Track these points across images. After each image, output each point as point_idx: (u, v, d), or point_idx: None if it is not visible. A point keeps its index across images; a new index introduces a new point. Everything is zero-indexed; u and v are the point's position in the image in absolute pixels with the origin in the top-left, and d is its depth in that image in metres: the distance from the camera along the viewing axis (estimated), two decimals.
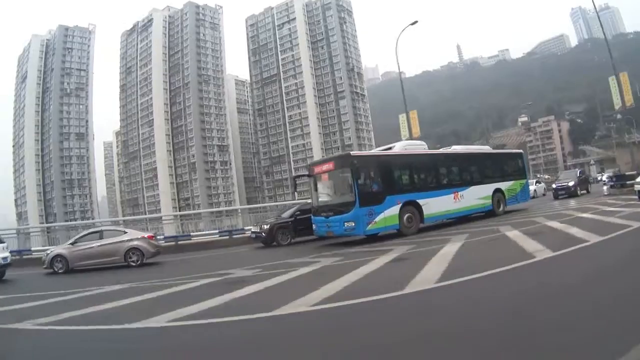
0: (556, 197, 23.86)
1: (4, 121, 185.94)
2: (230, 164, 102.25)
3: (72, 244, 12.33)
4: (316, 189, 12.70)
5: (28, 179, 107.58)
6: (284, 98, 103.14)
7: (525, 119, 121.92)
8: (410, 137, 26.31)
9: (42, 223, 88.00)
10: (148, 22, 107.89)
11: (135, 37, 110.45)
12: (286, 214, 15.57)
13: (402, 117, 29.26)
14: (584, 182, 26.34)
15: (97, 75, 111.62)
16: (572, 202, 18.86)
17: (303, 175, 13.79)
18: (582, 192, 24.26)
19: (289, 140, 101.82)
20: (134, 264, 11.98)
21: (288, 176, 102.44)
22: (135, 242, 12.20)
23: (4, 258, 11.42)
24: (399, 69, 27.88)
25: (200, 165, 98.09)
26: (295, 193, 18.89)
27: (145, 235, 12.71)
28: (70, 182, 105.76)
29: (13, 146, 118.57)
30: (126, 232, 12.62)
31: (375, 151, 13.76)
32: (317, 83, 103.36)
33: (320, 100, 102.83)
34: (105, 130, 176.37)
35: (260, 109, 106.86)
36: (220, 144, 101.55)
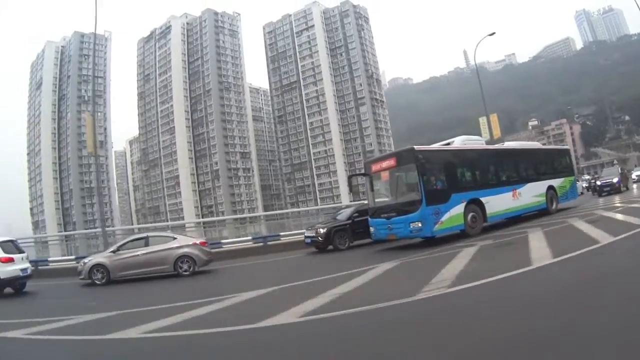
0: (600, 194, 23.86)
1: (17, 128, 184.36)
2: (253, 170, 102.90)
3: (113, 252, 11.44)
4: (373, 189, 11.92)
5: (45, 187, 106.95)
6: (305, 105, 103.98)
7: (536, 122, 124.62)
8: (491, 139, 26.19)
9: (61, 232, 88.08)
10: (166, 30, 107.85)
11: (152, 45, 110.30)
12: (342, 216, 14.67)
13: (482, 119, 30.71)
14: (625, 178, 26.75)
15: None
16: (618, 198, 18.82)
17: (358, 175, 13.05)
18: (623, 188, 24.38)
19: (311, 147, 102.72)
20: (185, 274, 11.08)
21: (310, 182, 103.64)
22: (187, 249, 11.28)
23: (24, 269, 10.95)
24: (477, 72, 28.71)
25: (223, 173, 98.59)
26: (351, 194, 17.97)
27: (197, 242, 11.83)
28: (90, 190, 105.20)
29: (28, 154, 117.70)
30: (176, 238, 11.70)
31: (437, 146, 13.07)
32: (337, 90, 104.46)
33: (341, 106, 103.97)
34: (116, 139, 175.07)
35: (280, 116, 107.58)
36: (242, 151, 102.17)
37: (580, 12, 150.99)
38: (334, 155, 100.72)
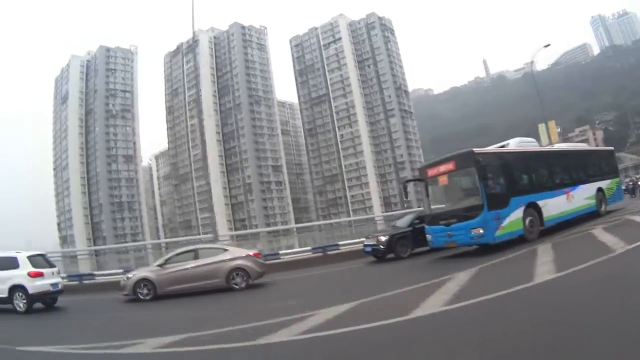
0: None
1: (41, 143, 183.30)
2: (285, 183, 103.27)
3: (160, 265, 10.98)
4: (428, 195, 11.54)
5: (74, 202, 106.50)
6: (335, 117, 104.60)
7: (559, 129, 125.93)
8: (550, 145, 27.41)
9: (90, 246, 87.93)
10: (194, 44, 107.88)
11: (180, 59, 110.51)
12: (402, 223, 14.20)
13: (542, 127, 31.94)
14: None
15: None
16: None
17: (414, 180, 12.44)
18: None
19: (342, 159, 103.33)
20: (237, 287, 10.63)
21: (342, 195, 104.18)
22: (240, 262, 10.82)
23: (55, 284, 10.76)
24: (533, 76, 29.38)
25: (256, 186, 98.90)
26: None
27: (251, 253, 11.30)
28: (120, 205, 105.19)
29: (54, 169, 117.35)
30: (227, 250, 11.31)
31: (492, 148, 12.55)
32: (366, 102, 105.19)
33: (370, 118, 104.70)
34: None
35: (310, 129, 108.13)
36: (274, 164, 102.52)
37: (596, 17, 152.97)
38: (365, 167, 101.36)
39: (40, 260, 10.97)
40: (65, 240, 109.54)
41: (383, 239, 13.30)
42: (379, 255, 13.58)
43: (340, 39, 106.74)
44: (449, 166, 10.96)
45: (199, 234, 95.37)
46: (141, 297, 10.63)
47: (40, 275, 10.40)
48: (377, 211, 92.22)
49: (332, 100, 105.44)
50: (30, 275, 10.21)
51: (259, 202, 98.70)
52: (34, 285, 10.18)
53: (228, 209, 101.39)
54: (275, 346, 4.65)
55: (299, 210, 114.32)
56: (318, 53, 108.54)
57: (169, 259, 11.13)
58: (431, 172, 11.42)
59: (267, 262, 14.28)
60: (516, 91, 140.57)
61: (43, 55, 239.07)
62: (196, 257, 10.90)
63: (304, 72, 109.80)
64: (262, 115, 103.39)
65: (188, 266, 10.72)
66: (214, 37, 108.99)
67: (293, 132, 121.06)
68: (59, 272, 11.55)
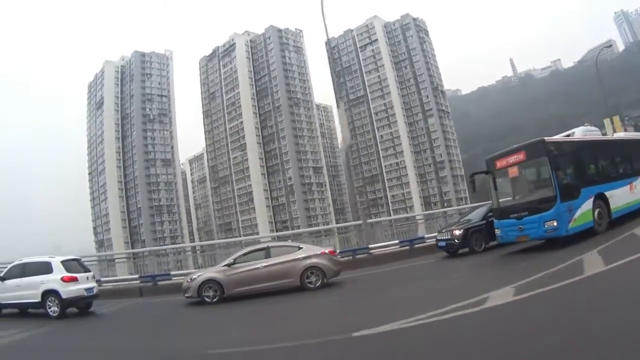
0: None
1: (73, 149, 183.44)
2: (325, 185, 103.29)
3: (228, 265, 10.38)
4: (495, 188, 11.13)
5: (111, 206, 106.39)
6: (374, 118, 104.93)
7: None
8: None
9: (128, 250, 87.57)
10: (230, 47, 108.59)
11: (216, 63, 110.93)
12: (474, 216, 13.74)
13: (607, 121, 32.06)
14: None
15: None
16: None
17: (480, 173, 11.91)
18: None
19: (382, 159, 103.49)
20: (312, 286, 10.11)
21: (382, 195, 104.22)
22: (315, 260, 10.29)
23: (89, 289, 10.64)
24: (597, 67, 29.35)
25: (298, 188, 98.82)
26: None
27: (326, 251, 10.84)
28: (159, 209, 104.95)
29: (90, 174, 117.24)
30: (301, 248, 10.74)
31: (559, 137, 12.04)
32: (403, 102, 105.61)
33: (409, 119, 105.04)
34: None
35: (349, 130, 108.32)
36: (314, 165, 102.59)
37: (619, 13, 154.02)
38: (405, 167, 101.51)
39: (74, 265, 10.88)
40: (102, 244, 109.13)
41: (458, 232, 12.93)
42: (451, 250, 13.25)
43: (376, 40, 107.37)
44: (520, 156, 10.52)
45: (240, 236, 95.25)
46: (207, 299, 10.07)
47: (74, 280, 10.32)
48: (418, 210, 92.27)
49: (370, 102, 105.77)
50: (63, 280, 10.15)
51: (301, 203, 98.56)
52: (68, 290, 10.10)
53: (269, 210, 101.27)
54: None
55: (336, 212, 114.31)
56: (355, 55, 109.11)
57: (238, 257, 10.55)
58: (500, 164, 10.95)
59: (357, 256, 14.50)
60: (544, 89, 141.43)
61: (75, 62, 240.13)
62: (268, 256, 10.36)
63: (341, 74, 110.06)
64: (302, 117, 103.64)
65: (259, 265, 10.17)
66: (250, 41, 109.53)
67: (328, 135, 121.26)
68: (94, 277, 11.41)
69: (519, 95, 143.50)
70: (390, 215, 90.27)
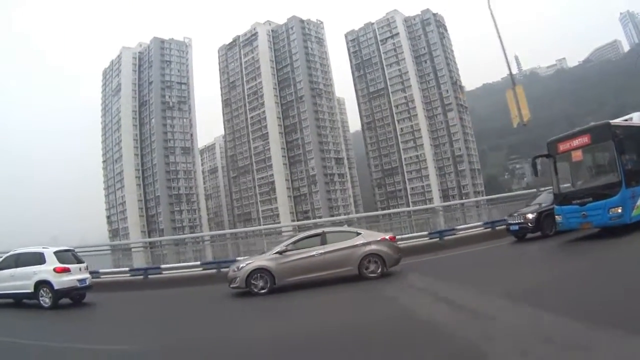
0: None
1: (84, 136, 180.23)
2: (346, 176, 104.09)
3: (279, 252, 9.66)
4: (556, 172, 10.93)
5: (128, 194, 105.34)
6: (394, 111, 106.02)
7: None
8: None
9: (145, 239, 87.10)
10: (252, 36, 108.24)
11: (237, 52, 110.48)
12: (543, 200, 13.41)
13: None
14: None
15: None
16: None
17: (543, 156, 11.56)
18: None
19: (402, 152, 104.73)
20: (372, 276, 9.48)
21: (401, 187, 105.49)
22: (374, 246, 9.67)
23: (82, 280, 10.69)
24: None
25: (320, 178, 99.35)
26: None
27: (387, 237, 10.16)
28: (178, 197, 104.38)
29: (104, 161, 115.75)
30: (360, 233, 10.12)
31: (618, 120, 11.60)
32: (423, 96, 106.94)
33: (428, 113, 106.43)
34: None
35: (369, 122, 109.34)
36: (336, 156, 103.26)
37: (625, 13, 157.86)
38: (425, 160, 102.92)
39: (67, 256, 10.94)
40: (116, 233, 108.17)
41: (531, 216, 12.81)
42: (520, 234, 13.27)
43: (397, 34, 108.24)
44: (584, 140, 10.15)
45: (260, 226, 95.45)
46: (255, 290, 9.37)
47: (67, 270, 10.37)
48: (437, 202, 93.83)
49: (390, 95, 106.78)
50: (56, 270, 10.19)
51: (323, 194, 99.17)
52: (60, 281, 10.17)
53: (290, 200, 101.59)
54: None
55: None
56: (375, 48, 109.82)
57: (291, 244, 9.89)
58: (562, 147, 10.59)
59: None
60: (549, 88, 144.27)
61: (89, 47, 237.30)
62: (323, 242, 9.67)
63: (361, 67, 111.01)
64: (324, 108, 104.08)
65: (314, 252, 9.51)
66: (272, 31, 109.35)
67: (344, 127, 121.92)
68: (87, 268, 11.37)
69: (525, 92, 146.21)
70: (410, 207, 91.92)
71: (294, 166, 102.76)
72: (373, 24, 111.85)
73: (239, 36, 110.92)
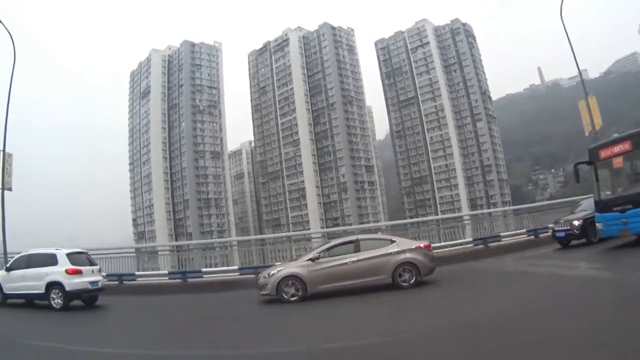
0: None
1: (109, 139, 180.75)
2: (376, 183, 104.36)
3: (312, 259, 9.56)
4: (597, 179, 10.96)
5: (156, 198, 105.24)
6: (424, 120, 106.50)
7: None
8: None
9: (172, 242, 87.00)
10: (283, 42, 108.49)
11: (267, 57, 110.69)
12: (588, 207, 13.20)
13: None
14: None
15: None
16: None
17: (584, 162, 11.47)
18: None
19: (431, 161, 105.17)
20: (405, 284, 9.30)
21: (430, 196, 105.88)
22: (409, 255, 9.49)
23: (94, 282, 10.76)
24: None
25: (350, 185, 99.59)
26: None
27: (421, 245, 9.99)
28: (207, 201, 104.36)
29: (130, 164, 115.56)
30: (394, 241, 9.92)
31: None
32: (452, 105, 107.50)
33: (457, 122, 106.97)
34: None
35: (398, 130, 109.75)
36: (367, 164, 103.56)
37: None
38: (455, 169, 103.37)
39: (80, 258, 11.02)
40: (142, 236, 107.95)
41: (577, 223, 12.85)
42: (565, 241, 13.35)
43: (427, 43, 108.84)
44: (625, 146, 10.17)
45: (289, 232, 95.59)
46: (285, 297, 9.27)
47: (79, 272, 10.43)
48: (465, 212, 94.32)
49: (420, 103, 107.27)
50: (67, 272, 10.26)
51: (354, 201, 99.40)
52: (71, 283, 10.23)
53: (320, 207, 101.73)
54: None
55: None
56: (405, 56, 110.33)
57: (323, 251, 9.75)
58: (604, 154, 10.61)
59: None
60: (572, 99, 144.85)
61: (115, 49, 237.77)
62: (357, 250, 9.56)
63: (391, 75, 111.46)
64: (355, 115, 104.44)
65: (347, 260, 9.39)
66: (303, 37, 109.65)
67: (372, 135, 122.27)
68: (99, 271, 11.48)
69: (546, 104, 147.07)
70: (438, 215, 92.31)
71: (324, 173, 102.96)
72: (403, 32, 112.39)
73: (269, 42, 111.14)
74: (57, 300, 10.25)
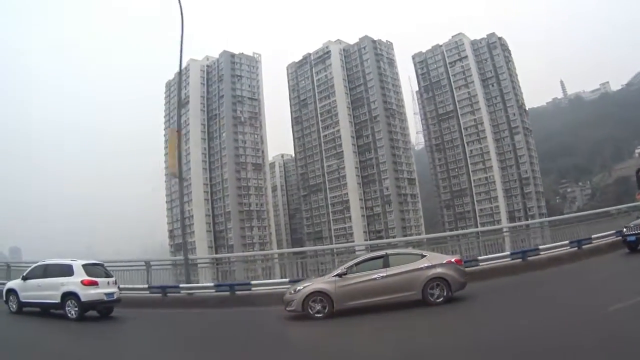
0: None
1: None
2: (417, 196, 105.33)
3: (339, 275, 9.36)
4: None
5: (196, 209, 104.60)
6: (464, 133, 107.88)
7: None
8: None
9: (212, 254, 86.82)
10: (325, 55, 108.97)
11: (307, 70, 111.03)
12: None
13: None
14: None
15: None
16: None
17: None
18: None
19: (471, 174, 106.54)
20: (437, 301, 9.07)
21: (470, 209, 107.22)
22: (439, 270, 9.24)
23: (109, 294, 10.93)
24: None
25: (394, 198, 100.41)
26: None
27: (452, 260, 9.74)
28: (249, 213, 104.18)
29: (166, 175, 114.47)
30: (425, 256, 9.69)
31: None
32: (491, 119, 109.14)
33: (495, 135, 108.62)
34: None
35: (437, 144, 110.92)
36: (409, 177, 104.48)
37: None
38: (494, 181, 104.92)
39: (96, 270, 11.23)
40: (179, 248, 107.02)
41: None
42: (634, 245, 13.62)
43: (466, 57, 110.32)
44: None
45: (332, 244, 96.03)
46: (311, 313, 9.16)
47: (95, 284, 10.66)
48: (505, 223, 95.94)
49: (460, 117, 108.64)
50: (83, 283, 10.49)
51: (397, 213, 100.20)
52: (87, 294, 10.46)
53: (364, 220, 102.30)
54: None
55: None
56: (444, 70, 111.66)
57: (351, 267, 9.59)
58: None
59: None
60: (594, 112, 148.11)
61: (150, 59, 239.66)
62: (386, 265, 9.36)
63: (429, 89, 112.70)
64: (397, 128, 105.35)
65: (376, 276, 9.20)
66: (343, 50, 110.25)
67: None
68: (115, 282, 11.65)
69: (569, 117, 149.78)
70: (478, 227, 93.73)
71: (367, 185, 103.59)
72: (441, 46, 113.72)
73: (309, 54, 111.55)
74: (72, 311, 10.43)
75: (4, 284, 12.77)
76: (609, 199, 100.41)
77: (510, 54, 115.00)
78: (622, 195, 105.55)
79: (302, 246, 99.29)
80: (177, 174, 17.47)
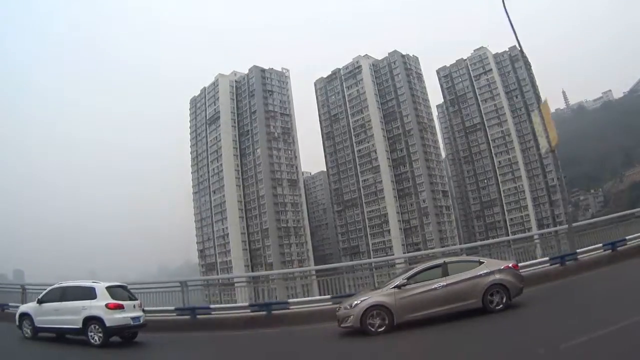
0: None
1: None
2: (451, 208, 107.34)
3: (398, 287, 9.00)
4: None
5: (232, 227, 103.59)
6: (491, 145, 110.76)
7: None
8: None
9: (248, 272, 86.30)
10: (356, 70, 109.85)
11: (337, 85, 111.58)
12: None
13: None
14: None
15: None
16: None
17: None
18: None
19: (500, 184, 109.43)
20: (497, 308, 8.83)
21: (500, 219, 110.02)
22: (498, 276, 9.03)
23: (135, 318, 10.32)
24: None
25: (431, 211, 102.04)
26: None
27: (510, 265, 9.57)
28: (287, 230, 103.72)
29: (195, 192, 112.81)
30: (482, 262, 9.45)
31: None
32: (517, 130, 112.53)
33: (522, 145, 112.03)
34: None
35: (466, 156, 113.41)
36: (443, 189, 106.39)
37: None
38: (524, 190, 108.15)
39: (120, 292, 10.65)
40: (212, 267, 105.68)
41: None
42: None
43: (490, 70, 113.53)
44: None
45: (370, 258, 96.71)
46: (372, 329, 8.71)
47: (120, 307, 10.07)
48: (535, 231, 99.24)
49: (487, 129, 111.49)
50: (108, 307, 9.88)
51: (435, 225, 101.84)
52: (112, 318, 9.85)
53: (401, 233, 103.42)
54: None
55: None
56: (469, 83, 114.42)
57: (410, 277, 9.22)
58: None
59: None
60: (597, 121, 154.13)
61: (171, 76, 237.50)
62: (445, 273, 9.12)
63: (455, 102, 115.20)
64: (429, 142, 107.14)
65: (436, 285, 8.96)
66: (373, 65, 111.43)
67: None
68: (140, 305, 11.03)
69: (572, 126, 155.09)
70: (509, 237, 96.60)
71: (402, 199, 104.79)
72: (465, 60, 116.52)
73: (339, 69, 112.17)
74: (95, 336, 9.81)
75: (17, 307, 12.00)
76: (624, 205, 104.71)
77: (530, 66, 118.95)
78: (636, 199, 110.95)
79: (325, 263, 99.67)
80: (553, 148, 16.26)
